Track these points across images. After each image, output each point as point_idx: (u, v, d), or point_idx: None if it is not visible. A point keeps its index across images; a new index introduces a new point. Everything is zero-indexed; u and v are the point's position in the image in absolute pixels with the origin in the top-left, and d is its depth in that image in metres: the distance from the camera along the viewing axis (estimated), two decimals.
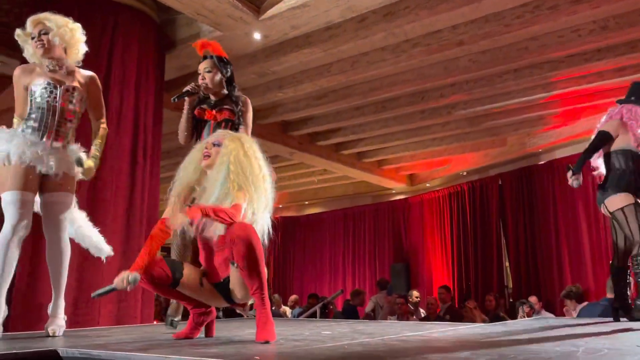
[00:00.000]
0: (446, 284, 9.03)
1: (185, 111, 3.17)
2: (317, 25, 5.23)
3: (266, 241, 2.41)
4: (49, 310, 2.74)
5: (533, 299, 7.30)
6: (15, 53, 5.19)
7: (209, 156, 2.45)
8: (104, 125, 2.94)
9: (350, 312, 8.04)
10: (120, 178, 4.29)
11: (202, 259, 2.51)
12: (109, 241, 3.03)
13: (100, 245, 2.92)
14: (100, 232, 2.98)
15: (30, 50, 2.82)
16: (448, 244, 10.34)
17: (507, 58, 5.86)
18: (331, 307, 8.33)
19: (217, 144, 2.46)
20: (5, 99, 7.00)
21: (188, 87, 3.11)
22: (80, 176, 2.83)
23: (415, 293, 8.45)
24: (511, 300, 8.89)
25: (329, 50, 5.63)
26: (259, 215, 2.39)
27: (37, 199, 2.71)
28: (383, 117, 7.88)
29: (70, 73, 2.82)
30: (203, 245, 2.49)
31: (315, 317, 6.76)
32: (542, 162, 8.83)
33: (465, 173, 10.17)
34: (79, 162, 2.73)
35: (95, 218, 3.09)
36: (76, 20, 2.92)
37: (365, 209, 12.11)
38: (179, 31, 5.27)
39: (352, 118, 7.86)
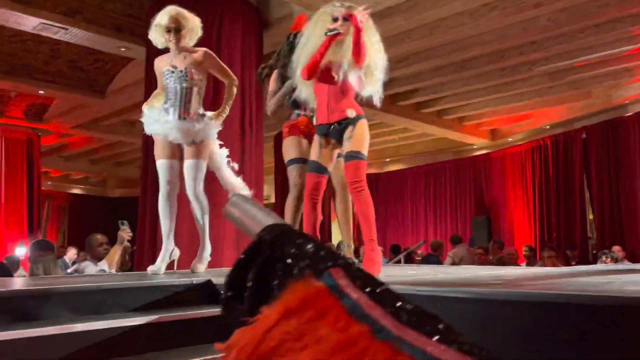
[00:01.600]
0: (530, 244, 9.24)
1: (285, 88, 3.65)
2: (397, 1, 5.61)
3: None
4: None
5: (616, 248, 7.45)
6: (137, 39, 6.04)
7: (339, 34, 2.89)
8: (232, 85, 3.51)
9: (432, 262, 8.58)
10: (234, 145, 5.02)
11: (306, 212, 3.10)
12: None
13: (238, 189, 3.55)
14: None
15: (162, 40, 3.45)
16: (530, 197, 10.50)
17: (586, 15, 5.93)
18: (414, 256, 8.90)
19: (346, 19, 2.87)
20: (123, 76, 8.02)
21: None
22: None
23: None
24: (594, 252, 9.03)
25: (410, 18, 5.99)
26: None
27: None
28: (463, 76, 8.12)
29: (188, 56, 3.45)
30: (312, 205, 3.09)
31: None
32: (630, 114, 8.71)
33: (548, 127, 10.18)
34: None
35: (215, 179, 3.77)
36: (191, 7, 3.53)
37: (445, 164, 12.41)
38: (273, 11, 5.86)
39: (432, 78, 8.18)
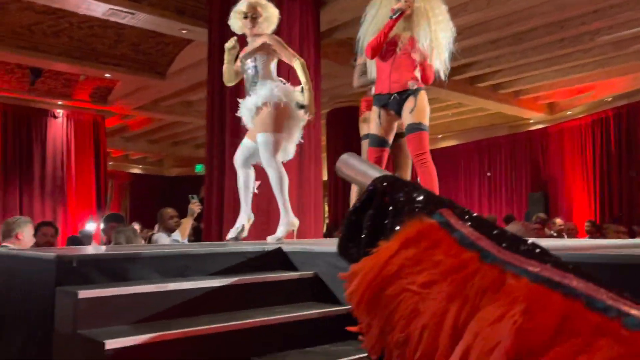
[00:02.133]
0: (592, 219, 9.04)
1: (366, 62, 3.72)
2: None
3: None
4: None
5: None
6: (198, 21, 6.26)
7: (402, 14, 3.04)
8: (296, 64, 3.53)
9: None
10: None
11: None
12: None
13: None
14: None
15: (238, 24, 3.61)
16: (590, 172, 10.22)
17: None
18: None
19: None
20: (183, 57, 8.30)
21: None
22: (305, 117, 3.53)
23: (558, 221, 8.62)
24: None
25: None
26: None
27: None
28: (520, 49, 7.95)
29: (256, 41, 3.59)
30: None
31: None
32: None
33: (610, 99, 9.83)
34: (300, 106, 3.52)
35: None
36: None
37: (500, 140, 12.20)
38: None
39: (487, 51, 8.05)
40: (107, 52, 8.11)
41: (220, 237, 5.13)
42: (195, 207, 4.52)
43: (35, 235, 4.46)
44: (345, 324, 2.43)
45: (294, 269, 2.95)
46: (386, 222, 0.81)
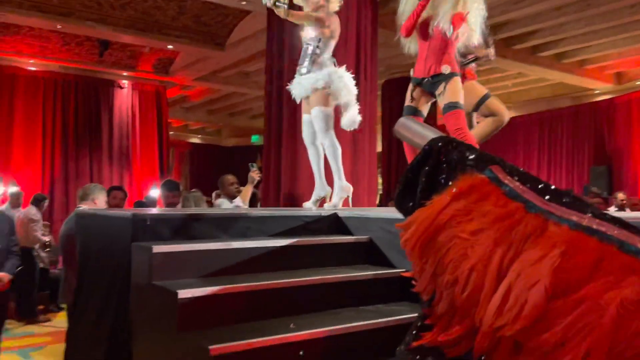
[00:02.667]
0: None
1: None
2: None
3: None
4: None
5: None
6: None
7: None
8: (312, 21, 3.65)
9: None
10: None
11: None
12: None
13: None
14: None
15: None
16: None
17: None
18: None
19: None
20: (241, 29, 8.45)
21: None
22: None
23: (620, 195, 8.32)
24: None
25: None
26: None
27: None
28: (586, 15, 7.60)
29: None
30: None
31: None
32: None
33: None
34: None
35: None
36: None
37: (563, 111, 11.76)
38: None
39: (551, 19, 7.74)
40: (169, 24, 8.38)
41: (277, 203, 5.32)
42: (255, 174, 4.72)
43: (107, 197, 4.80)
44: (398, 287, 2.54)
45: (349, 233, 3.07)
46: (440, 178, 0.89)
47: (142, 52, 9.63)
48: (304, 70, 3.70)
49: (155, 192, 9.43)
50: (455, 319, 0.86)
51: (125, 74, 10.57)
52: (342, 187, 3.73)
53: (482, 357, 0.85)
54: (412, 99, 3.38)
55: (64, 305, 7.27)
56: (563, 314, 0.71)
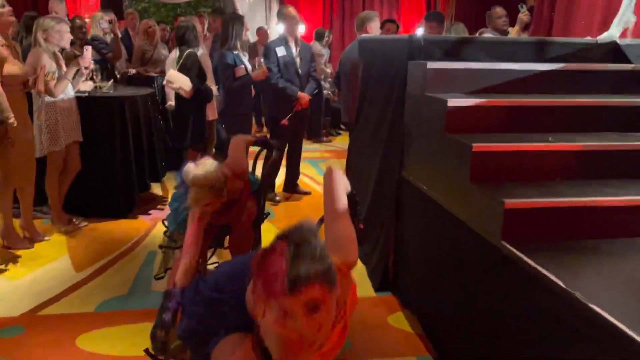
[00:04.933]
0: None
1: None
2: None
3: None
4: None
5: None
6: None
7: None
8: None
9: None
10: None
11: None
12: None
13: None
14: None
15: None
16: None
17: None
18: None
19: None
20: None
21: None
22: None
23: None
24: None
25: None
26: None
27: None
28: None
29: None
30: None
31: None
32: None
33: None
34: None
35: None
36: None
37: None
38: None
39: None
40: None
41: None
42: (524, 16, 4.55)
43: (381, 29, 5.26)
44: None
45: (628, 62, 2.92)
46: None
47: None
48: None
49: (420, 30, 9.66)
50: None
51: None
52: (626, 20, 3.41)
53: None
54: None
55: (341, 132, 8.55)
56: None
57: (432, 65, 2.65)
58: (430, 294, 2.71)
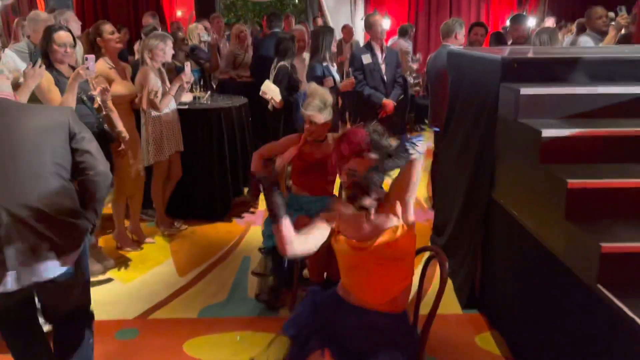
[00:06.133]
0: None
1: None
2: None
3: None
4: None
5: None
6: None
7: None
8: None
9: None
10: None
11: None
12: None
13: None
14: None
15: None
16: None
17: None
18: None
19: None
20: None
21: None
22: None
23: None
24: None
25: None
26: None
27: None
28: None
29: None
30: None
31: None
32: None
33: None
34: None
35: None
36: None
37: None
38: None
39: None
40: None
41: None
42: (622, 20, 4.28)
43: (468, 35, 5.17)
44: None
45: None
46: None
47: None
48: None
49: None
50: None
51: None
52: None
53: None
54: None
55: (424, 127, 8.49)
56: None
57: (525, 91, 2.61)
58: (520, 318, 2.71)
